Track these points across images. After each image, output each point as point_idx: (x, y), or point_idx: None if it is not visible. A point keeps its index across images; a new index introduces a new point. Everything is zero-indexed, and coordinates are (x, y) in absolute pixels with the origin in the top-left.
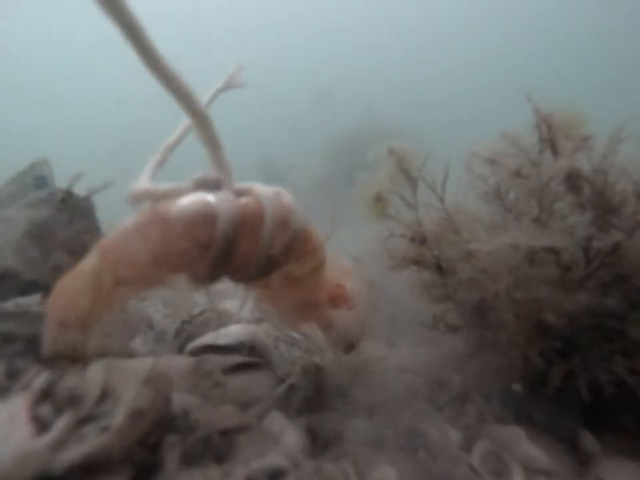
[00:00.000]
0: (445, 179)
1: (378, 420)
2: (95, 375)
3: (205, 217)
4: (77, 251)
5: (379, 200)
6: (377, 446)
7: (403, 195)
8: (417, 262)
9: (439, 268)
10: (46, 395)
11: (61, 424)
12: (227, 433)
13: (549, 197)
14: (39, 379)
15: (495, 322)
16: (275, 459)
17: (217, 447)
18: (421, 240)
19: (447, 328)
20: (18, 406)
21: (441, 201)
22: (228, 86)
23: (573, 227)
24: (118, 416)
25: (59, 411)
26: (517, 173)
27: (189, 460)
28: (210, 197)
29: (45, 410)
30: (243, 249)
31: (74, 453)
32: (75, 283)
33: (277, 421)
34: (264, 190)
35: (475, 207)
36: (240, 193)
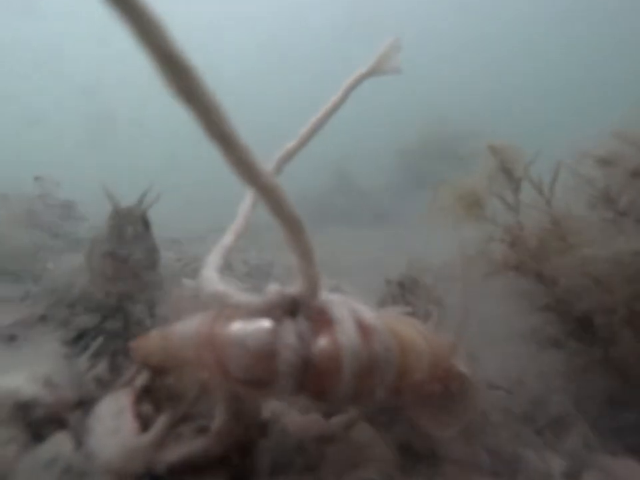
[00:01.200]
0: (554, 180)
1: (471, 439)
2: (190, 376)
3: (263, 358)
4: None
5: (475, 200)
6: (473, 468)
7: (504, 196)
8: (516, 268)
9: (541, 275)
10: (146, 392)
11: (161, 422)
12: (316, 441)
13: None
14: (140, 377)
15: (606, 337)
16: (368, 473)
17: (309, 454)
18: (522, 245)
19: (548, 341)
20: (124, 401)
21: (548, 203)
22: (377, 70)
23: None
24: (216, 420)
25: (157, 408)
26: (636, 174)
27: (281, 466)
28: (278, 333)
29: (146, 407)
30: (314, 392)
31: (175, 452)
32: (149, 347)
33: (365, 432)
34: (349, 330)
35: (581, 210)
36: (320, 319)
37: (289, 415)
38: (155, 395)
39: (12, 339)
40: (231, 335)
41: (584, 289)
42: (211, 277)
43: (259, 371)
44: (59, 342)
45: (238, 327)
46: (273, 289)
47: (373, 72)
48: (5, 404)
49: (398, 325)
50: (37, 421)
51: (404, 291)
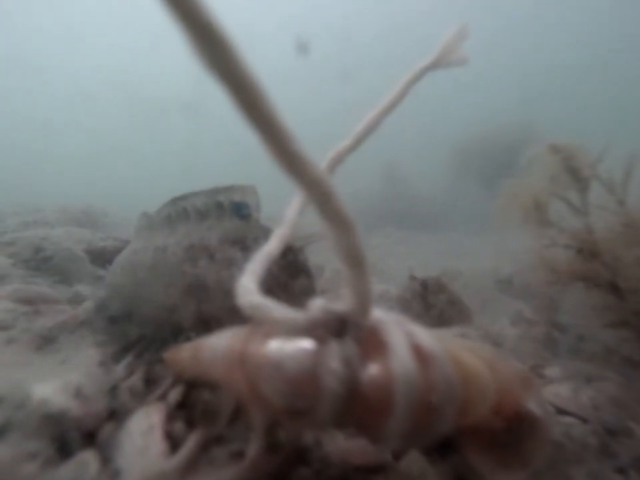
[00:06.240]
0: (628, 177)
1: (540, 476)
2: (227, 392)
3: (302, 385)
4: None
5: (537, 204)
6: None
7: (569, 198)
8: (586, 278)
9: (616, 287)
10: (180, 406)
11: (192, 443)
12: (361, 471)
13: None
14: (174, 392)
15: None
16: None
17: None
18: (591, 252)
19: (624, 362)
20: (155, 418)
21: (621, 203)
22: (441, 62)
23: None
24: (251, 447)
25: (190, 426)
26: None
27: None
28: (321, 356)
29: (178, 426)
30: (360, 427)
31: None
32: (181, 360)
33: (417, 463)
34: (404, 357)
35: None
36: (370, 342)
37: (332, 440)
38: (189, 412)
39: (50, 342)
40: (266, 356)
41: None
42: (249, 287)
43: (297, 399)
44: (97, 348)
45: (275, 346)
46: (317, 305)
47: (436, 64)
48: (34, 415)
49: (460, 352)
50: (64, 435)
51: (426, 291)
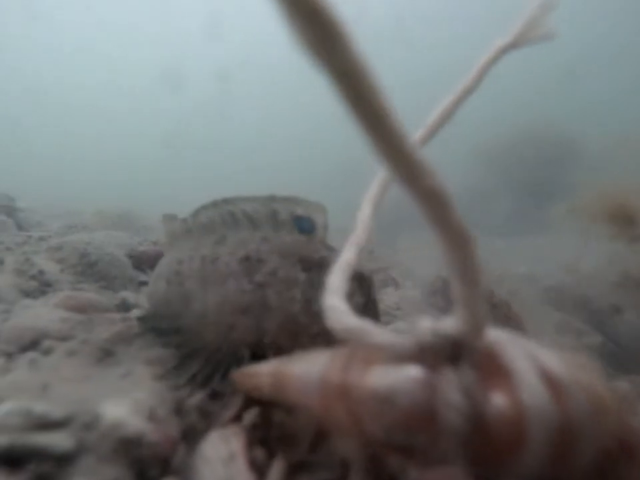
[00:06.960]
0: None
1: None
2: (307, 413)
3: (417, 420)
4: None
5: (626, 214)
6: None
7: None
8: None
9: None
10: (253, 429)
11: (277, 473)
12: None
13: None
14: (250, 414)
15: None
16: None
17: None
18: None
19: None
20: (235, 444)
21: None
22: (524, 39)
23: None
24: None
25: (269, 451)
26: None
27: None
28: (437, 387)
29: (259, 452)
30: (485, 466)
31: None
32: (255, 383)
33: None
34: (533, 385)
35: None
36: (488, 368)
37: (417, 466)
38: (263, 433)
39: (110, 354)
40: (372, 388)
41: None
42: (338, 307)
43: (410, 436)
44: (155, 362)
45: (381, 376)
46: (426, 327)
47: (518, 42)
48: (108, 438)
49: (581, 375)
50: (142, 462)
51: (447, 288)
